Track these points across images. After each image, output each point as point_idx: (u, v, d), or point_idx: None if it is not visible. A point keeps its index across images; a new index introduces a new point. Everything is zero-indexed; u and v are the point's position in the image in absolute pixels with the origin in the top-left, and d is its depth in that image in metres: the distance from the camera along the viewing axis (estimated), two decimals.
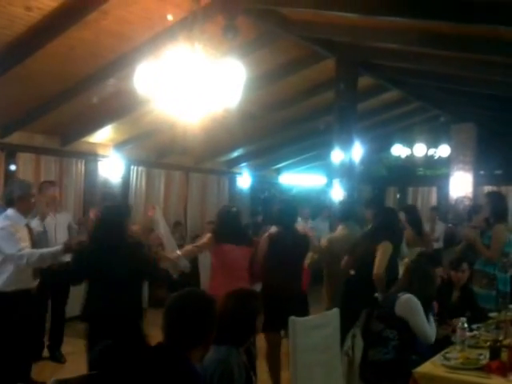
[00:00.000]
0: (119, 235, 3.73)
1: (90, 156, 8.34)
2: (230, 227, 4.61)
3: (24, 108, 6.69)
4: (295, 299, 4.49)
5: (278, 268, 4.54)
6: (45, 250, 4.15)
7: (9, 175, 7.25)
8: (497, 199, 5.22)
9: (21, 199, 4.15)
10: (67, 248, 3.98)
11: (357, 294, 4.60)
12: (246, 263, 4.60)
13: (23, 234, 4.15)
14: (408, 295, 3.61)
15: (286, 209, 4.83)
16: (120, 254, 3.65)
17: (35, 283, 4.31)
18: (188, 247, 5.03)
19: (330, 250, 5.25)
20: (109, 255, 3.63)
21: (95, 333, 3.51)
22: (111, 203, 4.27)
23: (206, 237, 4.74)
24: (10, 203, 4.16)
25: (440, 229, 8.64)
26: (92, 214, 6.38)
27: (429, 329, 3.59)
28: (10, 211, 4.14)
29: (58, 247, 4.07)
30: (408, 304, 3.58)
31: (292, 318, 3.39)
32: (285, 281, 4.52)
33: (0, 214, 4.78)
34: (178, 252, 4.65)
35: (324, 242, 5.38)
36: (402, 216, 5.51)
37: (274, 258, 4.59)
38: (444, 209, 10.42)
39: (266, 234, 4.76)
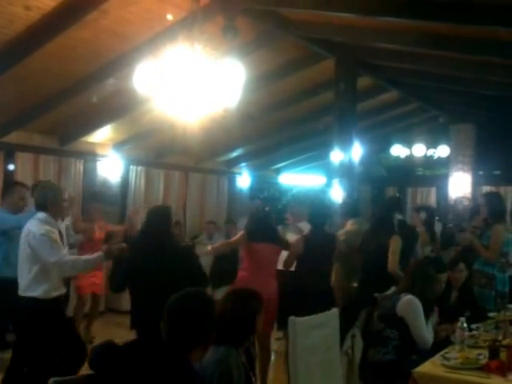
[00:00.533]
0: (165, 238, 3.84)
1: (89, 156, 8.33)
2: (262, 226, 4.84)
3: (23, 107, 6.68)
4: (323, 297, 4.64)
5: (309, 267, 4.79)
6: (89, 258, 4.02)
7: (7, 175, 7.24)
8: (494, 200, 5.22)
9: (54, 203, 4.00)
10: (108, 254, 3.91)
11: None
12: (275, 260, 4.87)
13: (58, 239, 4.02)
14: (410, 296, 3.62)
15: (317, 210, 5.11)
16: (166, 256, 3.72)
17: (65, 289, 4.23)
18: (221, 242, 5.22)
19: (346, 242, 5.38)
20: (155, 258, 3.71)
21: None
22: (156, 206, 4.37)
23: (239, 233, 4.96)
24: (42, 207, 3.98)
25: (438, 229, 8.61)
26: (97, 227, 6.36)
27: (427, 333, 3.59)
28: (42, 215, 3.93)
29: (99, 253, 3.93)
30: (409, 305, 3.59)
31: (291, 317, 3.39)
32: (314, 279, 4.73)
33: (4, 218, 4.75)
34: (209, 247, 4.81)
35: (341, 234, 5.48)
36: (422, 215, 5.56)
37: (305, 257, 4.86)
38: (443, 209, 10.42)
39: (300, 236, 5.11)
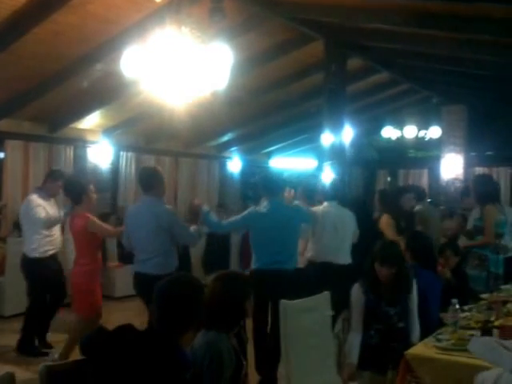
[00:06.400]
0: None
1: (79, 142, 8.26)
2: None
3: (11, 94, 6.59)
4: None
5: None
6: None
7: None
8: (480, 182, 5.25)
9: None
10: None
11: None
12: None
13: None
14: None
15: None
16: None
17: None
18: None
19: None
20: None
21: None
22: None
23: None
24: None
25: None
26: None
27: None
28: None
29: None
30: None
31: (283, 301, 3.39)
32: None
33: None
34: None
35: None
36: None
37: None
38: (435, 191, 10.44)
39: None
